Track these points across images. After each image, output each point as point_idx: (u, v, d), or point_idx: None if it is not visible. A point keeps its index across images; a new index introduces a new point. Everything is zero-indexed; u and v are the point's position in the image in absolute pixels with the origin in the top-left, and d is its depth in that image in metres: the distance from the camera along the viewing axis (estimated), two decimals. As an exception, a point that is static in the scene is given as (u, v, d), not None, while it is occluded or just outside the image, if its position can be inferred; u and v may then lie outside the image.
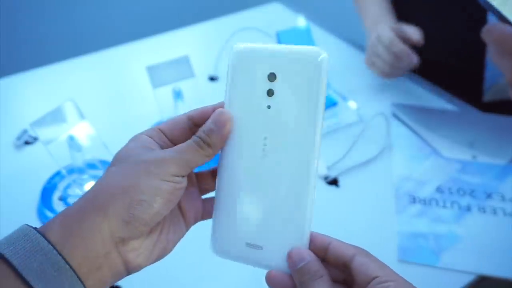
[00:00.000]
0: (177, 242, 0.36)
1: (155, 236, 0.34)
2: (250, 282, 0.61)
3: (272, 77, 0.33)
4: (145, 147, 0.35)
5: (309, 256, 0.32)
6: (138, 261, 0.32)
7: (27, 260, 0.28)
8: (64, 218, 0.31)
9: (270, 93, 0.33)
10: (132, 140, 0.36)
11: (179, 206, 0.37)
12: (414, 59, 0.88)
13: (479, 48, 0.90)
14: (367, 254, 0.33)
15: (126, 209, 0.31)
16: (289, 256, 0.33)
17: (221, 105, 0.36)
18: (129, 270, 0.33)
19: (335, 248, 0.33)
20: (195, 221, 0.38)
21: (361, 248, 0.33)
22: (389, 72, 0.91)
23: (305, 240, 0.33)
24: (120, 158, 0.34)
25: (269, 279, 0.34)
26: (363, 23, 1.03)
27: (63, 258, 0.29)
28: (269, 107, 0.33)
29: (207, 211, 0.38)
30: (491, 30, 0.50)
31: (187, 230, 0.37)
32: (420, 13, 1.02)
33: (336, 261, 0.33)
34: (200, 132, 0.34)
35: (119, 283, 0.58)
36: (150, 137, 0.36)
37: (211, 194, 0.38)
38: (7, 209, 0.72)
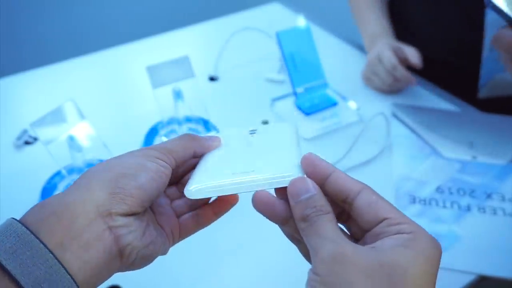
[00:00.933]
0: (163, 249, 0.35)
1: (144, 221, 0.33)
2: (250, 282, 0.61)
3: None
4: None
5: (314, 188, 0.29)
6: (130, 238, 0.31)
7: None
8: (44, 202, 0.30)
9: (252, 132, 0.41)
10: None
11: (158, 222, 0.36)
12: (413, 82, 0.91)
13: (476, 45, 0.91)
14: (374, 192, 0.29)
15: (111, 181, 0.31)
16: (292, 185, 0.29)
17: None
18: (122, 249, 0.31)
19: (337, 180, 0.30)
20: (174, 240, 0.37)
21: (367, 185, 0.30)
22: (386, 90, 0.95)
23: (299, 169, 0.32)
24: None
25: (256, 200, 0.31)
26: (361, 34, 1.04)
27: (37, 237, 0.27)
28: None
29: (183, 230, 0.37)
30: (501, 37, 0.50)
31: (170, 245, 0.36)
32: (417, 10, 1.02)
33: (336, 194, 0.30)
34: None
35: (118, 282, 0.58)
36: (158, 152, 0.36)
37: None
38: (7, 209, 0.72)
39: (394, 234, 0.27)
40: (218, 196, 0.36)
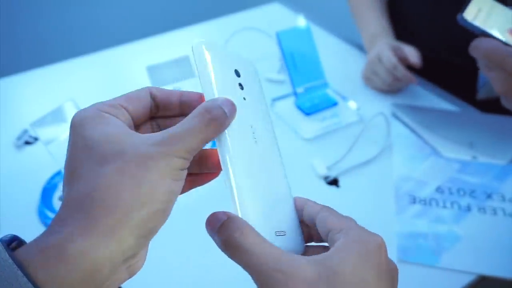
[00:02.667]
0: None
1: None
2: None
3: (237, 73, 0.34)
4: (128, 133, 0.28)
5: (225, 215, 0.28)
6: (139, 264, 0.29)
7: None
8: (61, 251, 0.24)
9: (241, 86, 0.34)
10: (101, 122, 0.28)
11: None
12: (413, 81, 0.91)
13: None
14: (329, 209, 0.31)
15: (143, 224, 0.26)
16: (207, 225, 0.29)
17: (193, 94, 0.32)
18: (131, 275, 0.29)
19: (307, 208, 0.32)
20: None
21: (328, 207, 0.32)
22: (386, 89, 0.95)
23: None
24: (106, 149, 0.26)
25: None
26: (361, 34, 1.04)
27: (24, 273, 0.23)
28: (244, 99, 0.34)
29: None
30: (478, 46, 0.52)
31: None
32: (416, 10, 1.02)
33: (308, 220, 0.32)
34: (208, 110, 0.29)
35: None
36: (114, 116, 0.29)
37: None
38: (7, 209, 0.72)
39: (334, 242, 0.28)
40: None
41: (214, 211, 0.31)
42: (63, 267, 0.24)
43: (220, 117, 0.28)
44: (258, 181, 0.32)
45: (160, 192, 0.26)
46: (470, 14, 0.52)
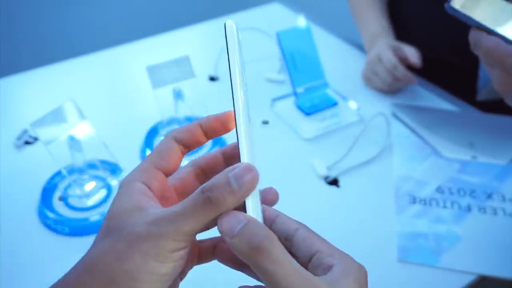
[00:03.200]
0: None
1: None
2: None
3: None
4: (139, 207, 0.29)
5: (245, 217, 0.27)
6: None
7: None
8: None
9: None
10: (123, 192, 0.30)
11: None
12: (414, 81, 0.91)
13: None
14: (309, 229, 0.30)
15: None
16: (222, 224, 0.27)
17: (211, 119, 0.32)
18: None
19: (280, 221, 0.30)
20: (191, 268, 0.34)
21: (304, 224, 0.30)
22: (386, 89, 0.95)
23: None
24: (112, 224, 0.29)
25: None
26: (361, 34, 1.04)
27: None
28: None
29: (203, 256, 0.34)
30: (479, 42, 0.52)
31: (182, 280, 0.33)
32: (416, 10, 1.02)
33: (280, 234, 0.30)
34: (213, 188, 0.27)
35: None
36: (145, 184, 0.31)
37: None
38: (7, 209, 0.72)
39: (329, 269, 0.28)
40: None
41: None
42: None
43: (220, 198, 0.27)
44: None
45: (141, 273, 0.27)
46: (458, 2, 0.52)
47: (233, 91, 0.31)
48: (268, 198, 0.33)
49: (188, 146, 0.33)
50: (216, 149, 0.34)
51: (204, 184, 0.28)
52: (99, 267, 0.27)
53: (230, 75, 0.31)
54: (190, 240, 0.28)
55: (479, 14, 0.51)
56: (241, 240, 0.27)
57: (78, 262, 0.29)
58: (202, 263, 0.34)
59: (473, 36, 0.52)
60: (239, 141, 0.30)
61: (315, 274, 0.28)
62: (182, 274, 0.33)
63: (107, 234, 0.28)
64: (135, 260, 0.27)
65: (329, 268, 0.28)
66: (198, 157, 0.34)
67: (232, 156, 0.33)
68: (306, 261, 0.29)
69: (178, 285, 0.33)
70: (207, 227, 0.30)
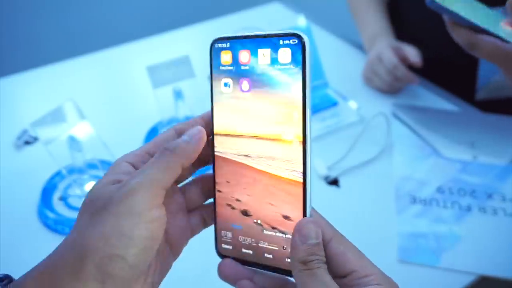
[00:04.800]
0: (163, 277, 0.32)
1: (139, 284, 0.30)
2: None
3: None
4: (118, 181, 0.29)
5: (318, 236, 0.28)
6: None
7: None
8: (38, 282, 0.27)
9: None
10: (109, 171, 0.31)
11: (165, 237, 0.32)
12: (414, 81, 0.91)
13: None
14: (342, 239, 0.30)
15: (98, 267, 0.26)
16: (304, 226, 0.29)
17: (207, 115, 0.35)
18: None
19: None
20: (185, 245, 0.34)
21: (336, 230, 0.30)
22: (386, 89, 0.95)
23: None
24: (92, 200, 0.29)
25: (221, 269, 0.32)
26: (361, 34, 1.04)
27: None
28: None
29: (196, 226, 0.34)
30: (475, 46, 0.52)
31: (175, 258, 0.33)
32: (416, 10, 1.02)
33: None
34: (167, 143, 0.30)
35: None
36: (131, 164, 0.31)
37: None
38: (7, 209, 0.72)
39: (366, 286, 0.28)
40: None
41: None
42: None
43: (175, 146, 0.30)
44: None
45: (115, 236, 0.27)
46: None
47: None
48: None
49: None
50: (197, 116, 0.35)
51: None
52: (76, 241, 0.27)
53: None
54: (161, 197, 0.28)
55: (459, 7, 0.51)
56: (305, 252, 0.28)
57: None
58: (195, 234, 0.35)
59: (466, 37, 0.52)
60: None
61: None
62: (175, 251, 0.33)
63: (85, 209, 0.29)
64: (108, 223, 0.27)
65: (366, 286, 0.28)
66: (179, 123, 0.34)
67: (209, 122, 0.34)
68: (340, 275, 0.29)
69: (170, 264, 0.33)
70: (176, 181, 0.32)
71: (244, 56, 0.31)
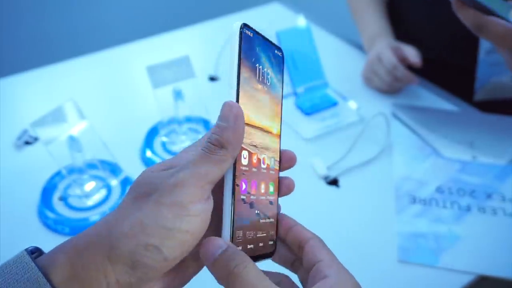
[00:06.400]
0: (196, 273, 0.32)
1: (171, 276, 0.30)
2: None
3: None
4: (169, 165, 0.29)
5: (226, 243, 0.28)
6: None
7: None
8: (70, 255, 0.27)
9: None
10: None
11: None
12: (414, 81, 0.91)
13: (472, 46, 0.91)
14: (321, 241, 0.33)
15: (132, 255, 0.26)
16: (203, 247, 0.28)
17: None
18: None
19: (296, 230, 0.33)
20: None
21: (318, 237, 0.33)
22: (386, 90, 0.95)
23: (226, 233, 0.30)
24: (139, 183, 0.29)
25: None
26: (360, 34, 1.04)
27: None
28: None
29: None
30: (484, 29, 0.51)
31: (199, 270, 0.33)
32: (416, 10, 1.02)
33: (293, 242, 0.33)
34: (210, 134, 0.29)
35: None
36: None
37: None
38: (7, 209, 0.72)
39: (323, 278, 0.29)
40: None
41: None
42: (72, 275, 0.27)
43: (220, 137, 0.29)
44: None
45: (153, 226, 0.27)
46: None
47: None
48: (285, 184, 0.35)
49: None
50: None
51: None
52: (116, 224, 0.27)
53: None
54: (208, 191, 0.28)
55: None
56: (220, 266, 0.28)
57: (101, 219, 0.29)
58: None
59: (474, 18, 0.50)
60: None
61: (312, 283, 0.30)
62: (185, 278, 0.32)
63: (132, 189, 0.29)
64: (149, 212, 0.27)
65: (323, 277, 0.29)
66: None
67: None
68: (309, 269, 0.31)
69: (191, 274, 0.32)
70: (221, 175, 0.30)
71: (259, 51, 0.33)
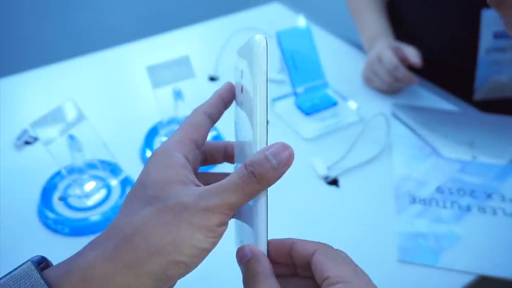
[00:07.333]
0: None
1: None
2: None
3: (241, 74, 0.33)
4: (182, 181, 0.29)
5: (250, 253, 0.31)
6: None
7: None
8: (85, 274, 0.27)
9: (241, 90, 0.33)
10: (165, 162, 0.30)
11: None
12: (414, 81, 0.91)
13: (472, 46, 0.91)
14: (325, 251, 0.30)
15: (163, 269, 0.27)
16: (237, 254, 0.32)
17: (225, 87, 0.35)
18: None
19: (297, 249, 0.31)
20: None
21: (322, 244, 0.31)
22: (386, 90, 0.95)
23: (261, 243, 0.32)
24: (154, 193, 0.29)
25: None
26: (360, 34, 1.04)
27: None
28: (242, 104, 0.33)
29: None
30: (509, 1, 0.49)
31: None
32: (415, 10, 1.02)
33: (301, 262, 0.31)
34: (254, 165, 0.28)
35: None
36: (185, 156, 0.31)
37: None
38: (7, 209, 0.72)
39: None
40: None
41: None
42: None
43: (262, 173, 0.28)
44: None
45: (186, 245, 0.27)
46: None
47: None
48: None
49: (214, 120, 0.34)
50: (215, 94, 0.35)
51: (246, 161, 0.29)
52: (142, 237, 0.27)
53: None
54: (231, 216, 0.29)
55: None
56: (246, 271, 0.30)
57: (110, 229, 0.28)
58: None
59: None
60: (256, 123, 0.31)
61: None
62: None
63: (148, 203, 0.28)
64: (183, 231, 0.27)
65: None
66: (206, 105, 0.35)
67: (226, 97, 0.35)
68: (321, 285, 0.29)
69: None
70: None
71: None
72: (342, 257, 0.30)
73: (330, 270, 0.29)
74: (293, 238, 0.32)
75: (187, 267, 0.28)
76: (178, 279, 0.29)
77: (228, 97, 0.34)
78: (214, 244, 0.29)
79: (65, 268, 0.27)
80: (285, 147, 0.29)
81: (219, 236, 0.29)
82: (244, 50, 0.32)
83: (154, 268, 0.27)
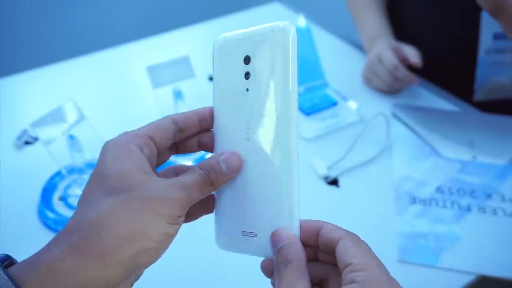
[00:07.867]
0: None
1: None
2: (249, 280, 0.61)
3: (247, 60, 0.33)
4: (143, 170, 0.30)
5: (286, 239, 0.31)
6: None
7: None
8: (53, 267, 0.26)
9: (247, 76, 0.33)
10: (122, 154, 0.30)
11: None
12: (414, 81, 0.91)
13: (472, 46, 0.91)
14: (353, 238, 0.31)
15: (132, 258, 0.28)
16: (272, 236, 0.32)
17: (206, 109, 0.35)
18: None
19: (325, 232, 0.32)
20: None
21: (351, 233, 0.32)
22: (386, 90, 0.94)
23: (294, 223, 0.32)
24: (116, 184, 0.29)
25: (263, 268, 0.33)
26: (360, 34, 1.04)
27: None
28: (247, 90, 0.33)
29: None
30: (502, 5, 0.49)
31: None
32: (415, 10, 1.02)
33: (326, 246, 0.31)
34: (208, 168, 0.32)
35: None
36: (140, 148, 0.31)
37: None
38: (7, 209, 0.72)
39: (350, 282, 0.28)
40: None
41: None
42: (52, 283, 0.26)
43: (216, 178, 0.32)
44: (237, 178, 0.33)
45: (154, 232, 0.28)
46: None
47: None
48: None
49: (182, 130, 0.34)
50: (191, 112, 0.36)
51: (205, 162, 0.32)
52: (109, 227, 0.27)
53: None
54: (191, 205, 0.31)
55: None
56: (279, 257, 0.30)
57: (72, 223, 0.28)
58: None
59: (495, 0, 0.49)
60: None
61: (343, 285, 0.29)
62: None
63: (112, 193, 0.28)
64: (149, 219, 0.28)
65: (350, 282, 0.28)
66: (176, 114, 0.35)
67: (204, 118, 0.35)
68: (342, 270, 0.30)
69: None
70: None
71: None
72: (368, 249, 0.31)
73: (354, 257, 0.29)
74: (323, 221, 0.33)
75: (156, 253, 0.29)
76: (148, 266, 0.29)
77: (204, 116, 0.35)
78: (177, 230, 0.30)
79: (30, 264, 0.27)
80: (234, 154, 0.33)
81: (180, 224, 0.30)
82: (257, 44, 0.32)
83: (124, 257, 0.27)
